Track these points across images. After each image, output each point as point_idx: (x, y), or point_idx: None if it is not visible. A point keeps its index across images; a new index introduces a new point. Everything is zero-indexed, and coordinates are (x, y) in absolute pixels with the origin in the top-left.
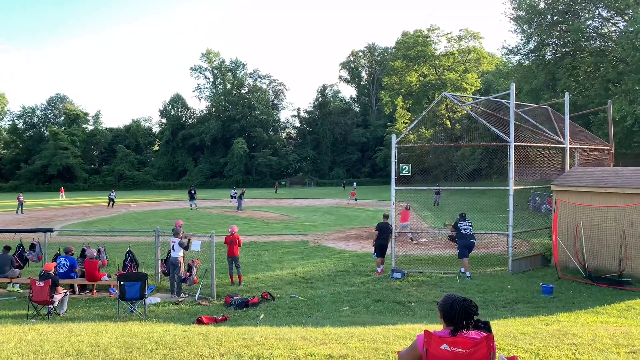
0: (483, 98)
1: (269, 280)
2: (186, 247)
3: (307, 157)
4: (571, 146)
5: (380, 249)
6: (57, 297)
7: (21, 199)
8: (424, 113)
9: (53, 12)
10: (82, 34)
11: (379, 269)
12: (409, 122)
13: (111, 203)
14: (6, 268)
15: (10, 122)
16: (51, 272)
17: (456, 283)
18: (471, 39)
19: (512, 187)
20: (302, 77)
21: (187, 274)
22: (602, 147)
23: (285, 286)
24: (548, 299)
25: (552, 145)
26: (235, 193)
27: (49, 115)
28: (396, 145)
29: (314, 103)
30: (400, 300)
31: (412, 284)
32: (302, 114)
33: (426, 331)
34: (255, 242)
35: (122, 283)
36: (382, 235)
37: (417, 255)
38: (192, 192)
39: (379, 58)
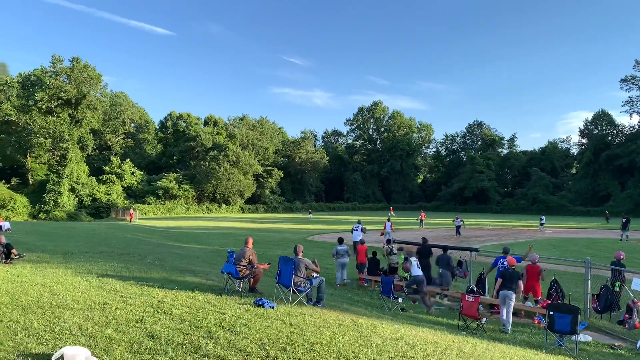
0: None
1: None
2: None
3: None
4: None
5: None
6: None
7: (423, 217)
8: None
9: (472, 51)
10: (498, 64)
11: None
12: None
13: (458, 231)
14: (437, 280)
15: (434, 149)
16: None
17: None
18: None
19: None
20: None
21: (626, 315)
22: None
23: None
24: None
25: None
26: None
27: (467, 141)
28: None
29: None
30: None
31: None
32: None
33: None
34: None
35: (551, 313)
36: None
37: None
38: (625, 220)
39: None
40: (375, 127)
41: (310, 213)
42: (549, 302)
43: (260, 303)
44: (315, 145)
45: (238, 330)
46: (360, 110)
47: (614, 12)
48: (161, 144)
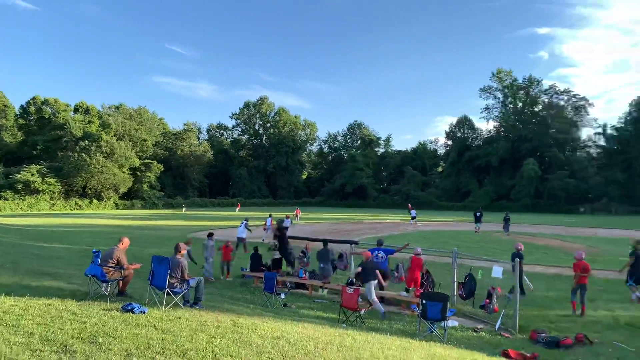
0: None
1: (580, 321)
2: None
3: (614, 181)
4: None
5: None
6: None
7: (299, 212)
8: None
9: (354, 54)
10: (376, 68)
11: None
12: None
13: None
14: (318, 273)
15: (318, 147)
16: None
17: None
18: None
19: None
20: (611, 89)
21: (487, 300)
22: None
23: (605, 331)
24: None
25: None
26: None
27: (348, 140)
28: None
29: (625, 119)
30: None
31: None
32: (609, 131)
33: None
34: (559, 275)
35: (424, 302)
36: None
37: None
38: (478, 214)
39: None
40: (261, 123)
41: (184, 208)
42: (422, 291)
43: (129, 308)
44: (199, 138)
45: (100, 340)
46: (247, 105)
47: (479, 26)
48: (22, 131)
